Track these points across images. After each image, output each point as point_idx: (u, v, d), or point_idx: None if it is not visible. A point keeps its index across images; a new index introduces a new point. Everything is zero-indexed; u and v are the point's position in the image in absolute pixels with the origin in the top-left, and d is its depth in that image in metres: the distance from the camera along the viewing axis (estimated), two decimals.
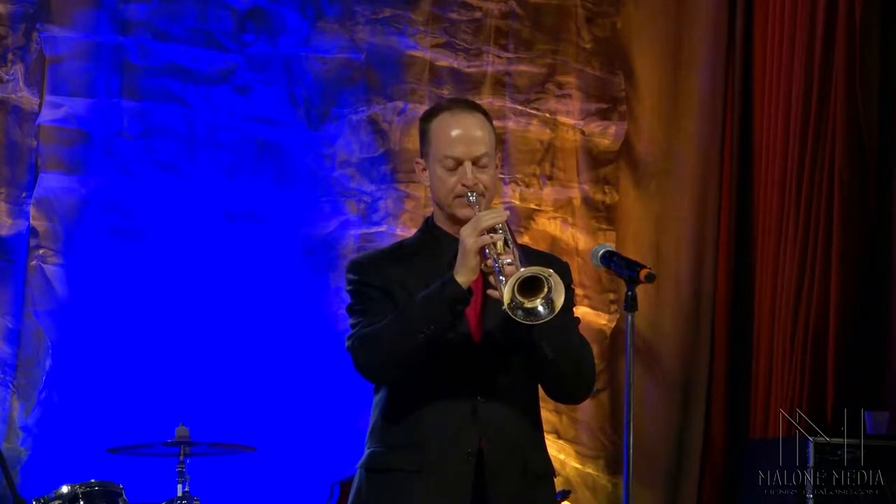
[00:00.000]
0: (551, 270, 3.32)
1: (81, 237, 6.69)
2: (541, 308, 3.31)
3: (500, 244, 3.39)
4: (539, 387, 3.60)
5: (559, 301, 3.31)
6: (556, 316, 3.32)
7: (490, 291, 3.39)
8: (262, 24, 6.98)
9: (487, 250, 3.39)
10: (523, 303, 3.31)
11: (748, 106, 7.16)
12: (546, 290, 3.31)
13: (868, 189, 6.57)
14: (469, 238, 3.39)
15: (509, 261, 3.36)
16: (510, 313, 3.30)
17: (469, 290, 3.40)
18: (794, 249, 6.67)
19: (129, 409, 6.54)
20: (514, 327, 3.39)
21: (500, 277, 3.34)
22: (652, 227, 7.29)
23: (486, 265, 3.41)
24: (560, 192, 7.25)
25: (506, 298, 3.29)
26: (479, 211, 3.49)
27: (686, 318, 7.17)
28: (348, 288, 3.60)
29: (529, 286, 3.32)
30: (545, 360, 3.45)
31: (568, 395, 3.63)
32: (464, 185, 3.53)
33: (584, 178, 7.29)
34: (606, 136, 7.33)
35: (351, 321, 3.57)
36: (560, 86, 7.30)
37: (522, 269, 3.31)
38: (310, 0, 7.04)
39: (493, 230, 3.39)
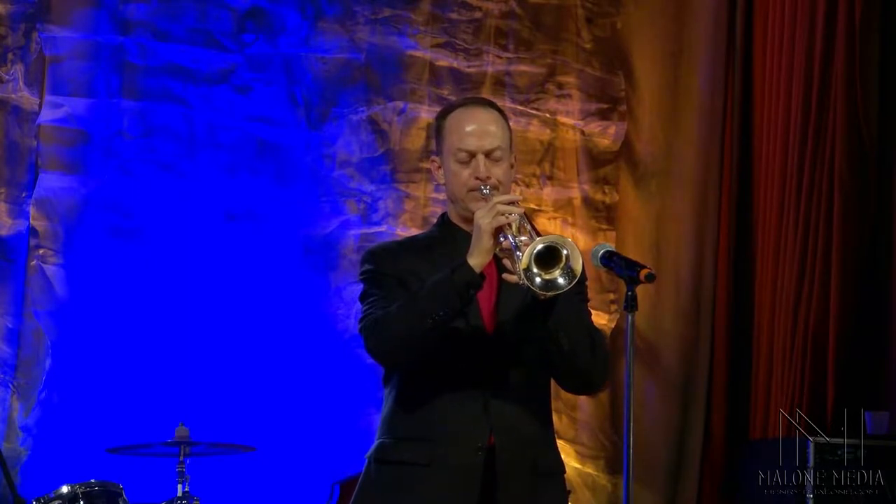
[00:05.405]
0: (569, 239, 3.28)
1: (81, 237, 6.69)
2: (560, 279, 3.26)
3: (515, 225, 3.34)
4: (550, 385, 3.57)
5: (578, 267, 3.26)
6: (573, 287, 3.27)
7: (506, 276, 3.34)
8: (262, 24, 6.98)
9: (504, 233, 3.34)
10: (542, 274, 3.25)
11: (748, 106, 7.16)
12: (564, 260, 3.26)
13: (868, 189, 6.57)
14: (484, 219, 3.35)
15: (525, 238, 3.31)
16: (527, 282, 3.23)
17: (481, 275, 3.36)
18: (794, 249, 6.67)
19: (129, 409, 6.53)
20: (528, 320, 3.36)
21: (517, 253, 3.27)
22: (652, 227, 7.29)
23: (500, 249, 3.37)
24: (560, 192, 7.25)
25: (523, 264, 3.23)
26: None
27: (686, 318, 7.17)
28: (362, 276, 3.58)
29: (547, 258, 3.26)
30: (561, 351, 3.42)
31: (583, 385, 3.59)
32: (477, 178, 3.51)
33: (584, 178, 7.29)
34: (606, 136, 7.33)
35: (364, 307, 3.54)
36: (560, 86, 7.30)
37: (539, 238, 3.26)
38: (310, 0, 7.04)
39: (508, 213, 3.35)
